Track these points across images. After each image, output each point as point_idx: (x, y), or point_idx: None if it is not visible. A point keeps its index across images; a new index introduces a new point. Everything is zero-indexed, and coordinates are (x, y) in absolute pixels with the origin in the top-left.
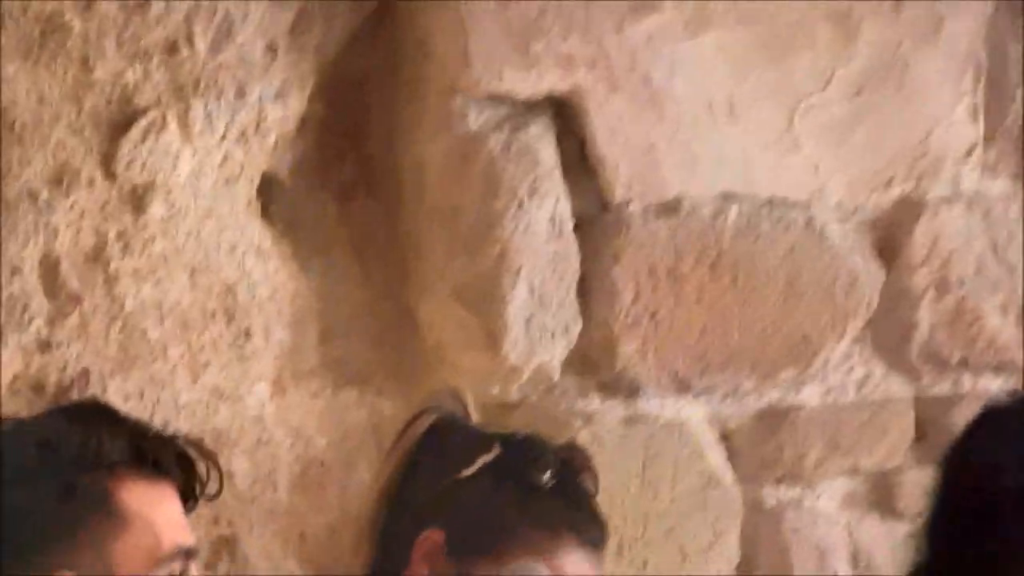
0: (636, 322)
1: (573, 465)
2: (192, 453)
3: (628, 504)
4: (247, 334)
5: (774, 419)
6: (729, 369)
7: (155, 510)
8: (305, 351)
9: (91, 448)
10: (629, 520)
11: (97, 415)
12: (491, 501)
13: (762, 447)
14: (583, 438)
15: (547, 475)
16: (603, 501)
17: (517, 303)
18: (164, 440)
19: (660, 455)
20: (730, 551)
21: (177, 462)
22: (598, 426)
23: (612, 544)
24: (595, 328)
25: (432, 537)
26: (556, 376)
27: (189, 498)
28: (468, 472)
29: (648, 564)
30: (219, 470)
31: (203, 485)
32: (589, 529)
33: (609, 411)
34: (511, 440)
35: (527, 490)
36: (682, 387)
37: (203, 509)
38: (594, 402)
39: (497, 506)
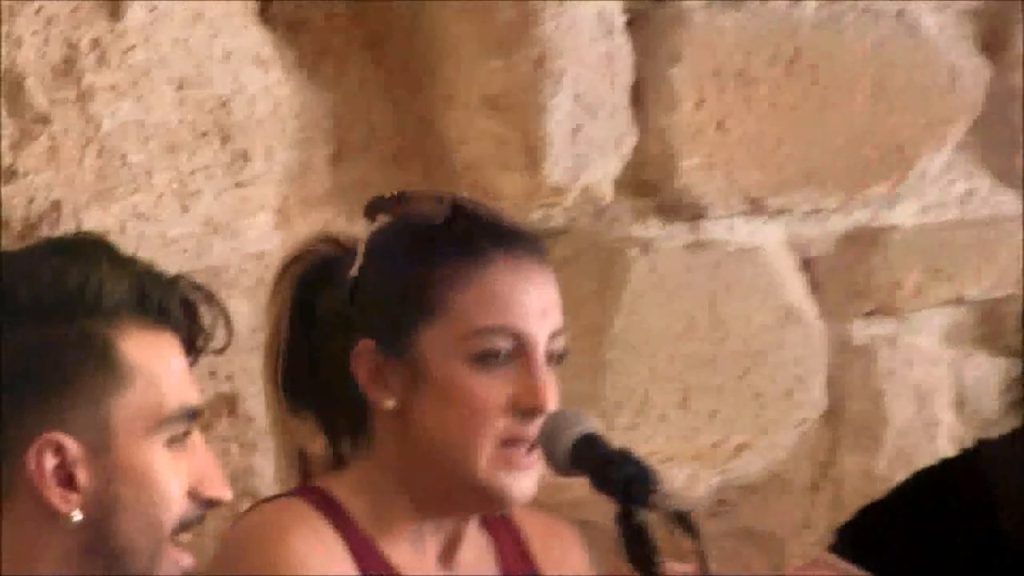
0: (700, 132)
1: (461, 204)
2: (196, 299)
3: (694, 345)
4: (245, 157)
5: (863, 242)
6: (810, 185)
7: (159, 364)
8: (314, 175)
9: (90, 291)
10: (695, 364)
11: (95, 252)
12: (393, 277)
13: (850, 275)
14: (640, 268)
15: (440, 219)
16: (665, 341)
17: (560, 113)
18: (168, 284)
19: (730, 287)
20: (814, 396)
21: (182, 309)
22: (657, 254)
23: (675, 392)
24: (652, 140)
25: (364, 345)
26: (608, 197)
27: (192, 351)
28: (354, 271)
29: (718, 415)
30: (227, 319)
31: (208, 337)
32: (508, 239)
33: (670, 237)
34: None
35: (425, 240)
36: (755, 207)
37: (200, 359)
38: (652, 227)
39: (403, 276)
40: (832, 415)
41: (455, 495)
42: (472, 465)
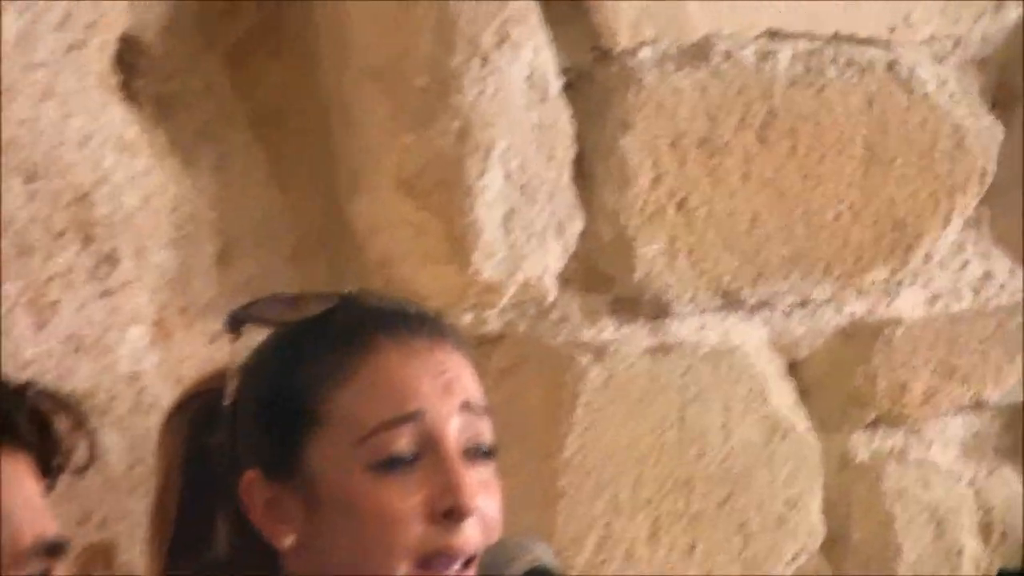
0: (659, 212)
1: (349, 297)
2: (49, 408)
3: (663, 467)
4: (111, 259)
5: (861, 339)
6: (795, 272)
7: (6, 491)
8: (196, 278)
9: None
10: (665, 489)
11: None
12: (268, 390)
13: (847, 379)
14: (595, 379)
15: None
16: (628, 463)
17: (490, 194)
18: (12, 393)
19: (704, 396)
20: (810, 524)
21: (31, 422)
22: (614, 361)
23: (642, 524)
24: (602, 224)
25: (249, 477)
26: (552, 294)
27: (47, 473)
28: (228, 398)
29: (695, 549)
30: (87, 430)
31: (66, 454)
32: (394, 321)
33: (629, 339)
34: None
35: (298, 339)
36: (730, 300)
37: (67, 502)
38: (607, 328)
39: (277, 386)
40: (833, 546)
41: None
42: None
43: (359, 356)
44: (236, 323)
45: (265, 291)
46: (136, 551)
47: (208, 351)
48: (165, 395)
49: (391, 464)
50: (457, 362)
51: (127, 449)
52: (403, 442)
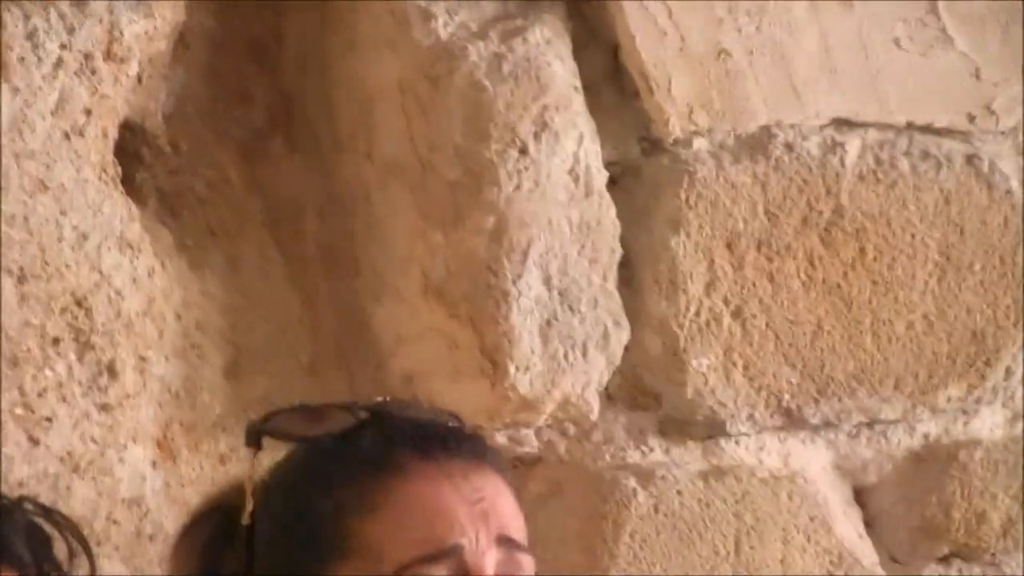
0: (713, 321)
1: (380, 410)
2: (46, 526)
3: None
4: (111, 371)
5: (935, 463)
6: (861, 388)
7: None
8: (204, 393)
9: None
10: None
11: None
12: (289, 515)
13: (918, 507)
14: (641, 505)
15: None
16: None
17: (527, 301)
18: (6, 508)
19: (761, 527)
20: None
21: (26, 540)
22: (663, 486)
23: None
24: (650, 335)
25: None
26: (594, 413)
27: None
28: (245, 518)
29: None
30: (87, 548)
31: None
32: (427, 441)
33: (679, 462)
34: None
35: (324, 459)
36: (790, 419)
37: None
38: (655, 450)
39: (299, 510)
40: None
41: None
42: None
43: (388, 481)
44: (255, 436)
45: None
46: None
47: (216, 474)
48: (169, 522)
49: None
50: (496, 488)
51: None
52: None
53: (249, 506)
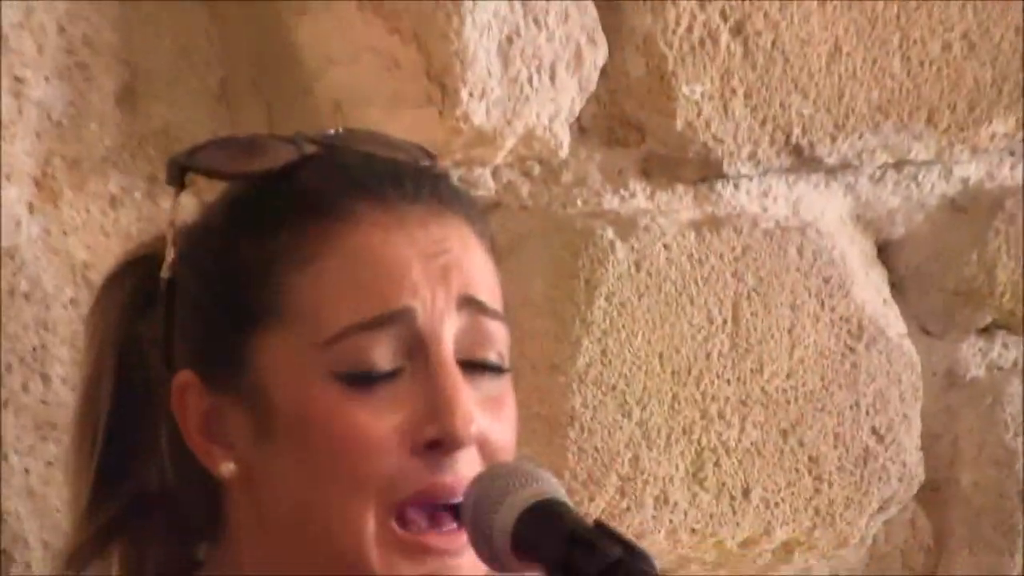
0: (709, 39)
1: (326, 142)
2: None
3: (708, 383)
4: None
5: (976, 214)
6: (887, 123)
7: None
8: (92, 121)
9: None
10: (712, 413)
11: None
12: (212, 267)
13: (956, 267)
14: (620, 261)
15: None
16: (664, 376)
17: (483, 13)
18: None
19: (765, 289)
20: (905, 462)
21: None
22: (647, 239)
23: (682, 452)
24: (632, 55)
25: (182, 381)
26: (564, 149)
27: None
28: (165, 271)
29: (751, 492)
30: None
31: None
32: (379, 179)
33: (665, 210)
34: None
35: (255, 202)
36: (801, 160)
37: None
38: (637, 194)
39: (224, 263)
40: (935, 492)
41: None
42: (357, 550)
43: (328, 227)
44: (178, 173)
45: (183, 141)
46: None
47: (106, 220)
48: (48, 277)
49: (365, 378)
50: (463, 241)
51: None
52: (382, 350)
53: (170, 256)
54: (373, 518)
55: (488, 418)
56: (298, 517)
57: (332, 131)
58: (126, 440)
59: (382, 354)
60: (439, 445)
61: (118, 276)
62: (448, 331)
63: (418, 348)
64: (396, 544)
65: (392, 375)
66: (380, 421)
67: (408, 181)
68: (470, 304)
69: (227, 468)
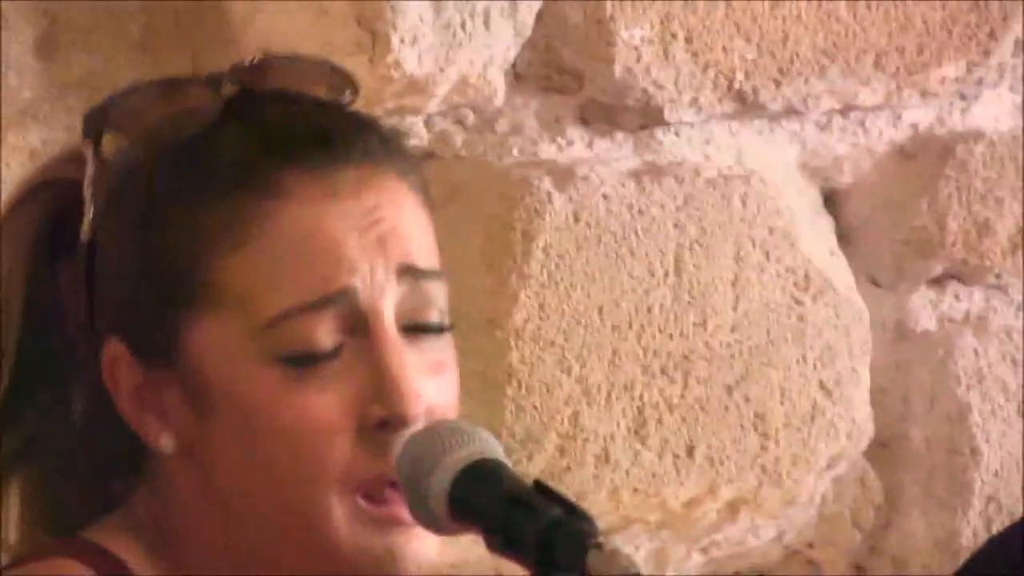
0: None
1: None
2: None
3: (650, 337)
4: None
5: (926, 160)
6: (833, 68)
7: None
8: (10, 72)
9: None
10: (654, 368)
11: None
12: (134, 238)
13: (906, 216)
14: (557, 212)
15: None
16: (603, 331)
17: None
18: None
19: (708, 240)
20: (853, 418)
21: None
22: (585, 189)
23: (623, 412)
24: (567, 5)
25: (112, 351)
26: (499, 96)
27: None
28: (85, 229)
29: (695, 450)
30: None
31: None
32: (306, 140)
33: (604, 158)
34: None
35: (179, 166)
36: (744, 106)
37: None
38: (574, 142)
39: (146, 236)
40: (885, 449)
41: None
42: (324, 529)
43: (259, 205)
44: (95, 125)
45: (104, 91)
46: None
47: (26, 172)
48: None
49: (309, 359)
50: (396, 202)
51: None
52: (323, 330)
53: (89, 214)
54: (338, 501)
55: (434, 385)
56: (249, 497)
57: (249, 62)
58: (37, 376)
59: (323, 333)
60: (387, 425)
61: (36, 189)
62: (389, 304)
63: (359, 324)
64: (367, 519)
65: (334, 353)
66: (326, 402)
67: (337, 139)
68: (409, 272)
69: (165, 442)
